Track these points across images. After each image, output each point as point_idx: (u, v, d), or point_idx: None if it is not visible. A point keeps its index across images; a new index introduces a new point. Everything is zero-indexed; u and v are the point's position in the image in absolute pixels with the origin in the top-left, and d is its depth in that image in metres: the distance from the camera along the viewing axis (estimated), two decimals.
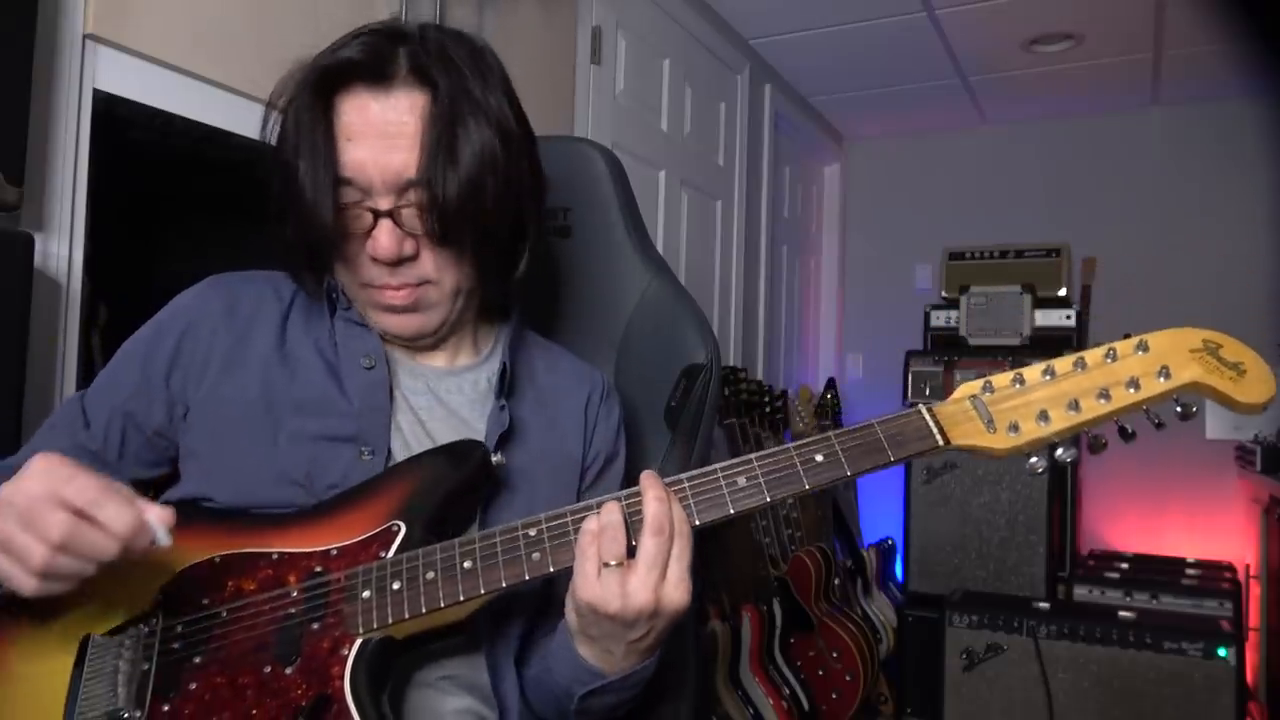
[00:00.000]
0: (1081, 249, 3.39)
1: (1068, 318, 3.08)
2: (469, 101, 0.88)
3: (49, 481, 0.69)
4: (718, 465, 0.79)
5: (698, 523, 0.78)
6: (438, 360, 0.99)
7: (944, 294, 3.30)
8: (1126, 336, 0.79)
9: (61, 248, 1.27)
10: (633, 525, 0.77)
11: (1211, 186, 3.68)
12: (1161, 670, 2.34)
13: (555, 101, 2.33)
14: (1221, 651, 2.30)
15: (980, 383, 0.79)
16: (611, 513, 0.77)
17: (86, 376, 1.34)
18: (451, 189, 0.85)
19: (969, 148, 4.15)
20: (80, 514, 0.69)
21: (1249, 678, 2.74)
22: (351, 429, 0.89)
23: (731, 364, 3.16)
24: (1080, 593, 2.81)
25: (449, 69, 0.88)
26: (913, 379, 3.12)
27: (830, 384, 3.73)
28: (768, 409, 3.11)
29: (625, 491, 0.79)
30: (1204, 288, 3.54)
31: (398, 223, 0.87)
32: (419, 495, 0.84)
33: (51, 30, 1.25)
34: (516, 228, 0.94)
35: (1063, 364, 0.78)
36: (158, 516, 0.72)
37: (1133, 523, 3.67)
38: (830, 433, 0.79)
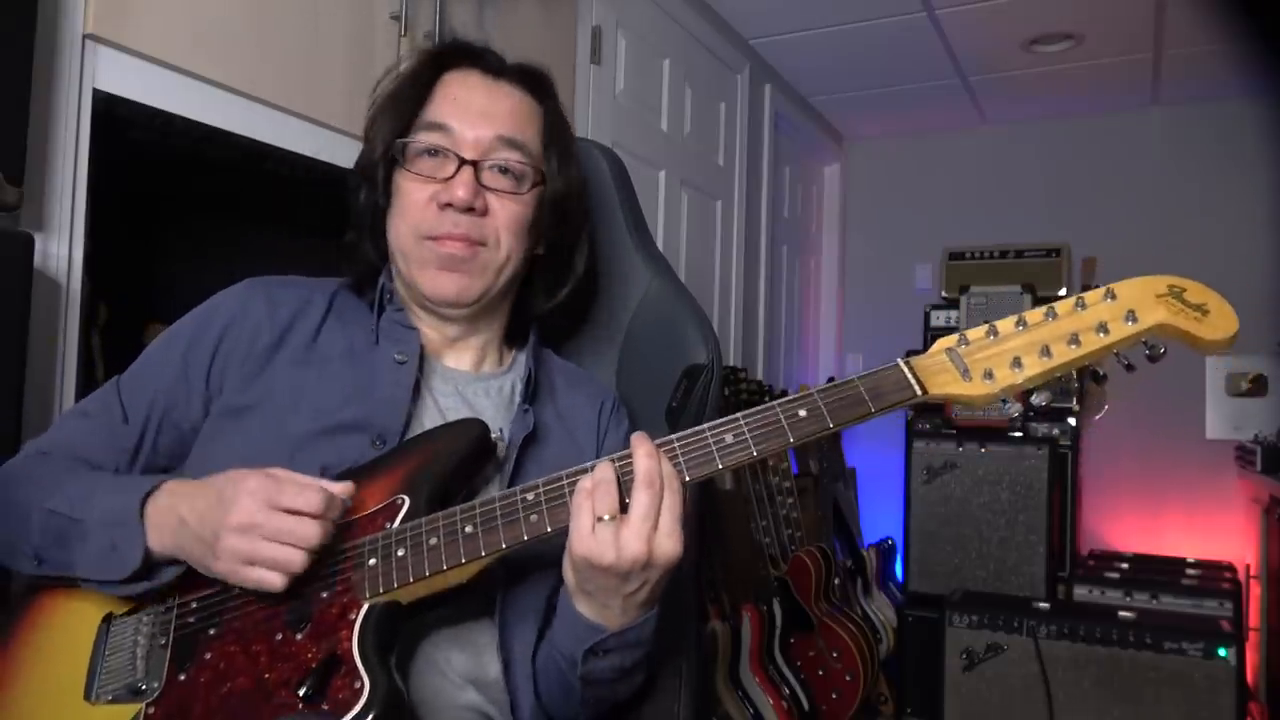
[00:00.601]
0: (1081, 249, 3.39)
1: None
2: (567, 127, 1.05)
3: (279, 496, 0.78)
4: (705, 425, 0.82)
5: (688, 478, 0.81)
6: (466, 365, 1.04)
7: (944, 294, 3.30)
8: (1096, 287, 0.82)
9: (61, 248, 1.27)
10: (625, 484, 0.79)
11: (1211, 186, 3.68)
12: (1161, 670, 2.34)
13: None
14: (1221, 651, 2.30)
15: (955, 336, 0.83)
16: (604, 470, 0.80)
17: (87, 377, 1.34)
18: (550, 159, 1.01)
19: (969, 148, 4.15)
20: (318, 517, 0.79)
21: (1249, 678, 2.74)
22: (367, 419, 0.93)
23: (731, 364, 3.16)
24: (1080, 593, 2.81)
25: (553, 95, 1.05)
26: None
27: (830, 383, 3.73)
28: None
29: (618, 454, 0.82)
30: None
31: (478, 174, 0.96)
32: (422, 470, 0.88)
33: (51, 30, 1.25)
34: (570, 249, 1.07)
35: (1034, 315, 0.81)
36: (344, 493, 0.83)
37: (1133, 523, 3.67)
38: (813, 389, 0.82)
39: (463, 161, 0.95)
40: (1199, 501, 3.57)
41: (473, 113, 0.98)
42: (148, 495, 0.83)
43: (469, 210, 0.95)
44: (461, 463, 0.90)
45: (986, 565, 2.89)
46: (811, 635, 2.86)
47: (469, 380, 1.03)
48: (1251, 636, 3.00)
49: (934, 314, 3.28)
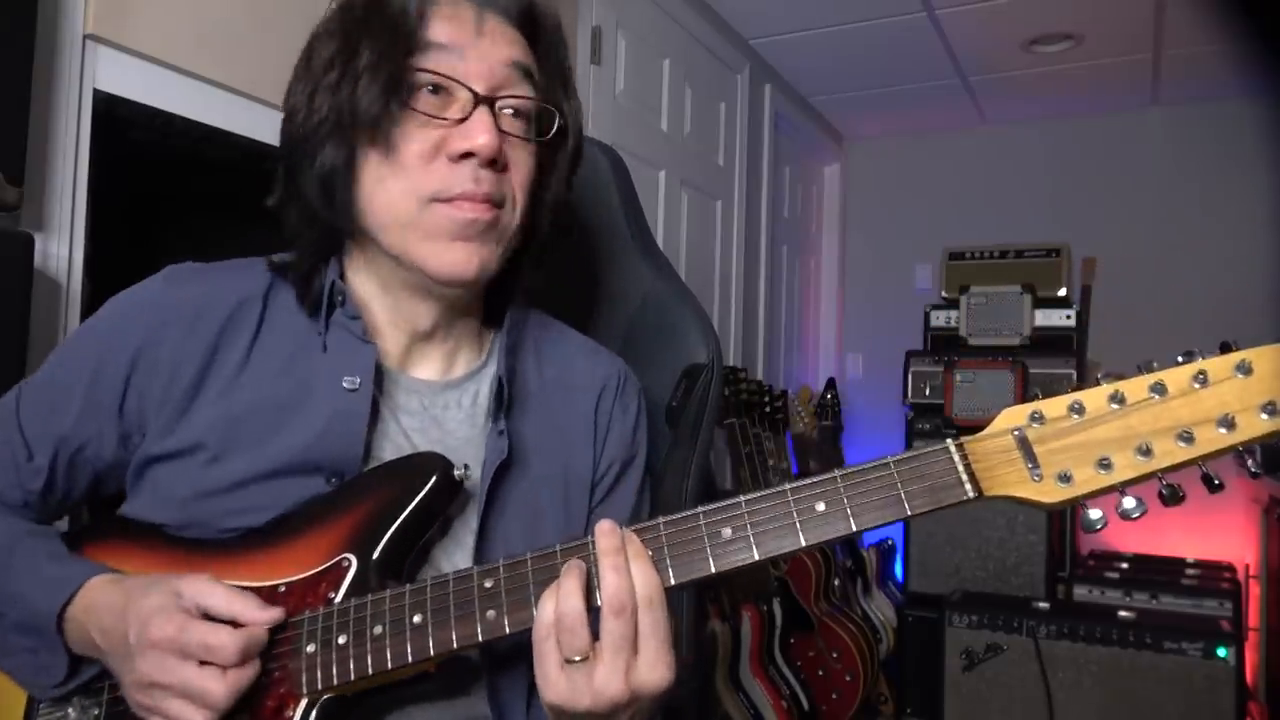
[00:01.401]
0: (1081, 249, 3.39)
1: (1068, 318, 3.08)
2: (568, 57, 0.87)
3: (187, 644, 0.68)
4: (700, 510, 0.68)
5: (673, 582, 0.67)
6: (433, 372, 0.88)
7: (944, 294, 3.30)
8: (1225, 348, 0.61)
9: (61, 248, 1.27)
10: (596, 584, 0.67)
11: (1211, 186, 3.68)
12: (1161, 670, 2.34)
13: None
14: (1221, 651, 2.30)
15: (1027, 409, 0.63)
16: (569, 597, 0.65)
17: None
18: (561, 96, 0.82)
19: (969, 148, 4.15)
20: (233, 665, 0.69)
21: (1249, 678, 2.74)
22: (320, 455, 0.79)
23: (731, 364, 3.16)
24: (1080, 593, 2.81)
25: (553, 25, 0.86)
26: (913, 379, 3.11)
27: (830, 384, 3.73)
28: (768, 409, 3.11)
29: (589, 540, 0.69)
30: (1204, 288, 3.54)
31: (495, 115, 0.77)
32: (372, 521, 0.76)
33: (51, 30, 1.25)
34: (567, 203, 0.89)
35: (1135, 388, 0.61)
36: (268, 621, 0.72)
37: (1132, 522, 3.66)
38: (836, 472, 0.66)
39: (479, 98, 0.76)
40: (1199, 501, 3.56)
41: (477, 33, 0.78)
42: (64, 607, 0.75)
43: (491, 163, 0.76)
44: (419, 509, 0.76)
45: (986, 565, 2.89)
46: (811, 635, 2.86)
47: (437, 391, 0.86)
48: (1251, 636, 3.00)
49: (934, 314, 3.28)
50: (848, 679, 2.84)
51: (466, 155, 0.76)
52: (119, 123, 1.38)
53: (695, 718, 1.07)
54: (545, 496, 0.86)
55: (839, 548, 3.39)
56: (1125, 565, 3.00)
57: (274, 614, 0.71)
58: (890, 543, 3.68)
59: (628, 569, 0.66)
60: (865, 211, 4.42)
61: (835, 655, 2.85)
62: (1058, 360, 2.93)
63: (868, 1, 2.94)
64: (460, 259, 0.78)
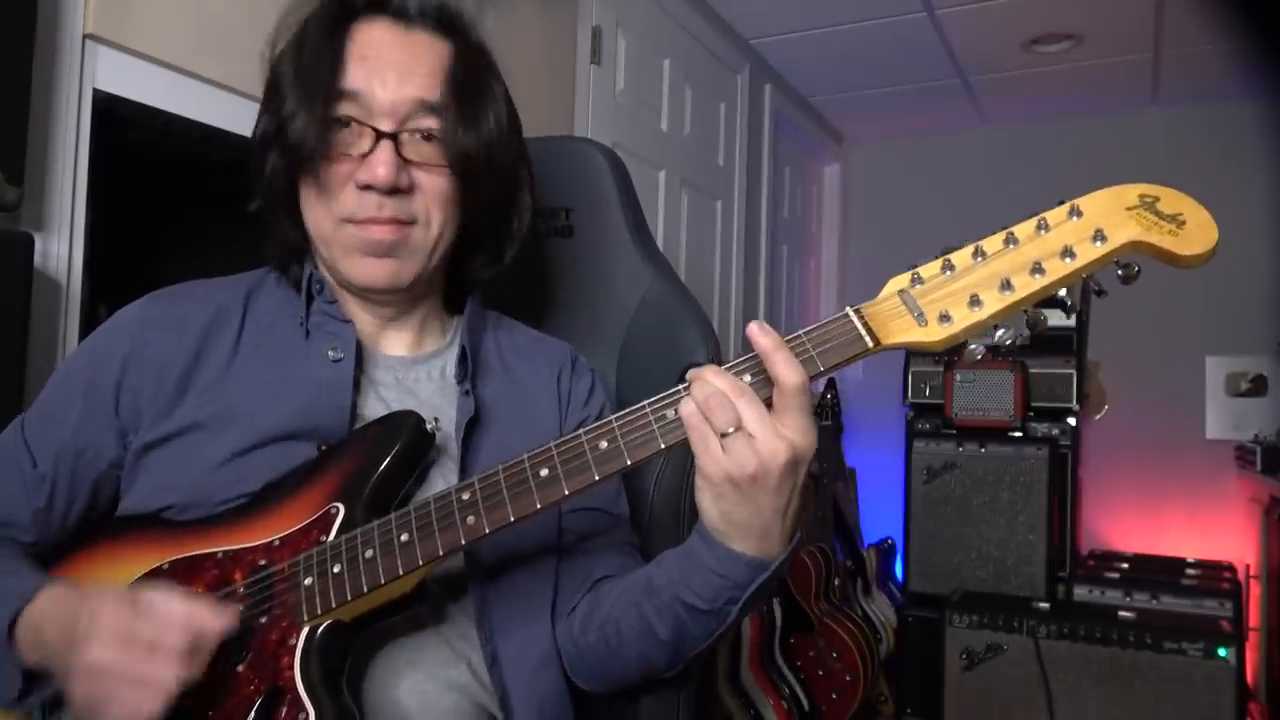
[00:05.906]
0: None
1: (1068, 318, 3.08)
2: (487, 66, 0.93)
3: (139, 632, 0.69)
4: (646, 402, 0.75)
5: (629, 461, 0.73)
6: (403, 349, 0.97)
7: None
8: (1061, 203, 0.74)
9: (61, 248, 1.27)
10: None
11: (1211, 186, 3.60)
12: (1161, 670, 2.34)
13: (555, 101, 2.33)
14: (1221, 651, 2.30)
15: (909, 275, 0.76)
16: (716, 377, 0.71)
17: None
18: (466, 120, 0.88)
19: (969, 148, 4.15)
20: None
21: (1249, 678, 2.74)
22: (309, 424, 0.87)
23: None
24: (1080, 593, 2.80)
25: (469, 31, 0.93)
26: (913, 379, 3.11)
27: (830, 384, 3.73)
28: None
29: (550, 445, 0.75)
30: (1203, 287, 3.53)
31: (399, 148, 0.85)
32: (356, 474, 0.82)
33: (51, 30, 1.24)
34: (506, 205, 0.97)
35: (992, 243, 0.74)
36: (221, 625, 0.73)
37: (1133, 523, 3.67)
38: (754, 352, 0.73)
39: (380, 135, 0.84)
40: (1199, 501, 3.57)
41: (386, 73, 0.85)
42: (15, 617, 0.77)
43: (393, 191, 0.85)
44: (398, 459, 0.83)
45: (986, 565, 2.89)
46: (811, 635, 2.86)
47: (408, 365, 0.96)
48: (1251, 636, 3.00)
49: None
50: (848, 679, 2.84)
51: (369, 185, 0.85)
52: (119, 123, 1.38)
53: (695, 718, 1.07)
54: (518, 450, 0.90)
55: (839, 547, 3.39)
56: (1125, 565, 3.00)
57: (226, 619, 0.73)
58: (890, 543, 3.68)
59: (725, 374, 0.72)
60: (865, 211, 4.42)
61: (835, 655, 2.85)
62: (1058, 360, 2.93)
63: (868, 1, 2.94)
64: (371, 271, 0.89)
